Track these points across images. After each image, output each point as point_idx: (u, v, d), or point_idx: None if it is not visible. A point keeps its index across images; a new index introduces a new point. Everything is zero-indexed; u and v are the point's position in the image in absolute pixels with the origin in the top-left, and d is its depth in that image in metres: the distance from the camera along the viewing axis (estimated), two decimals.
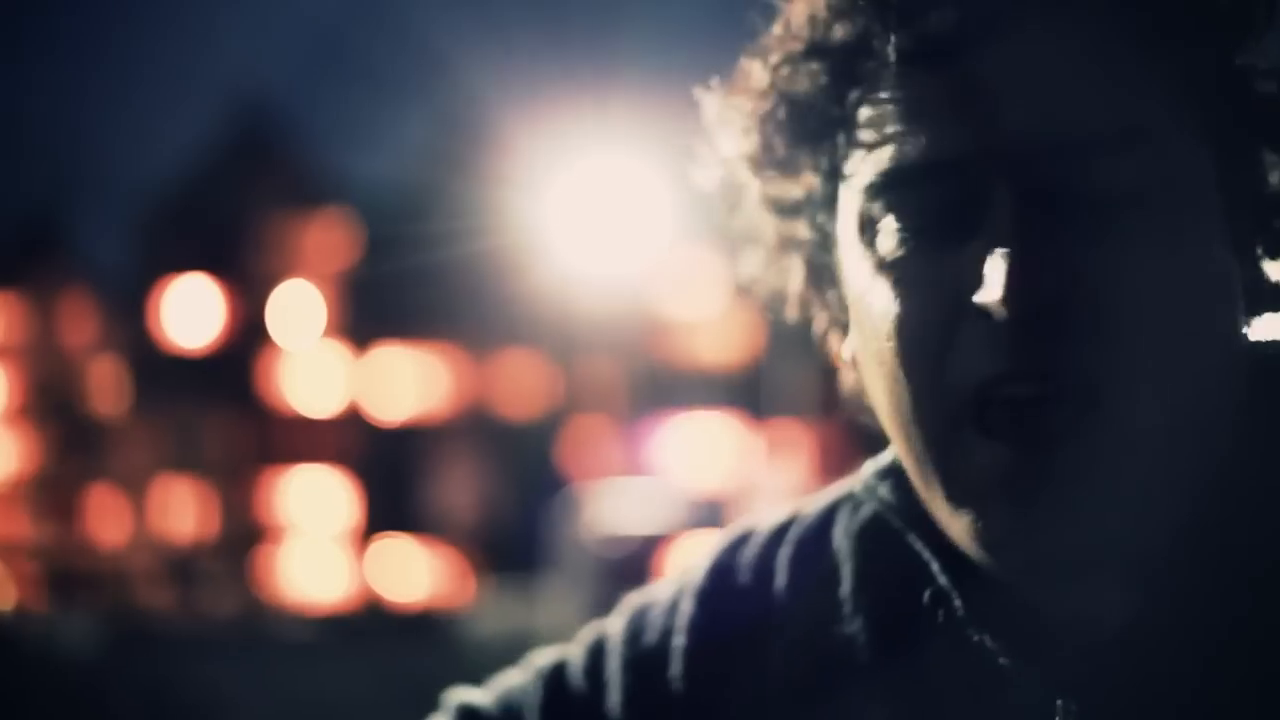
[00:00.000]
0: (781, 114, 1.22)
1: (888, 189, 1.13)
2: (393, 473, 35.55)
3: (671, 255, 27.86)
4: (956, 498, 1.12)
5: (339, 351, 36.09)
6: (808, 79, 1.19)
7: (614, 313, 29.30)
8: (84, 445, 35.41)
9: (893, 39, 1.12)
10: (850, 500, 1.34)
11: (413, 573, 32.44)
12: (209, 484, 35.61)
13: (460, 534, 34.40)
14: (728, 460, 30.01)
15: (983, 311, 1.08)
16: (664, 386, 31.88)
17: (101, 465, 35.48)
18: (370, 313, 35.15)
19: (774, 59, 1.21)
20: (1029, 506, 1.09)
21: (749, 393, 28.51)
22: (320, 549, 34.60)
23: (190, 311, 36.21)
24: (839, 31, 1.16)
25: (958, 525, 1.13)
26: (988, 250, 1.08)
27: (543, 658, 1.44)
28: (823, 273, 1.26)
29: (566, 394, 35.24)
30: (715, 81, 1.27)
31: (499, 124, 29.18)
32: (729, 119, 1.26)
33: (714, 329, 32.45)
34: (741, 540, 1.39)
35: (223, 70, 46.76)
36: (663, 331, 32.32)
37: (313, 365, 35.89)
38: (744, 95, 1.24)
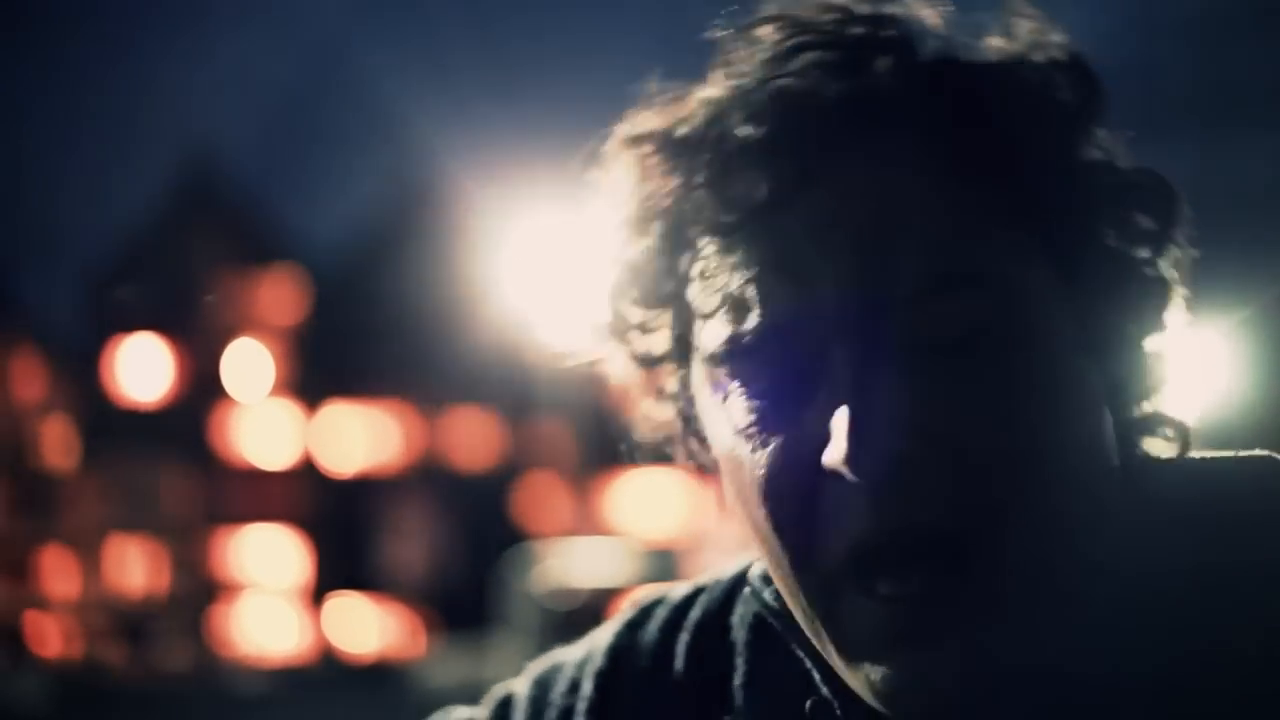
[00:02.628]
0: (625, 282, 1.18)
1: (729, 358, 1.11)
2: (345, 528, 35.45)
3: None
4: (847, 655, 1.11)
5: (290, 407, 36.06)
6: (644, 246, 1.16)
7: (565, 368, 29.34)
8: (35, 503, 35.25)
9: (707, 205, 1.10)
10: (749, 584, 1.31)
11: (365, 626, 32.38)
12: (161, 539, 35.49)
13: (411, 588, 34.34)
14: (679, 513, 30.08)
15: (835, 472, 1.06)
16: (615, 441, 31.87)
17: (53, 522, 35.33)
18: (322, 369, 35.13)
19: (611, 226, 1.17)
20: (915, 661, 1.07)
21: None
22: (273, 603, 34.52)
23: (141, 368, 36.14)
24: (664, 199, 1.13)
25: (853, 679, 1.11)
26: (831, 409, 1.06)
27: (451, 716, 1.43)
28: (690, 422, 1.22)
29: (517, 450, 35.24)
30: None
31: (450, 180, 29.34)
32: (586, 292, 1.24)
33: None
34: (643, 618, 1.37)
35: (175, 129, 46.77)
36: (614, 385, 32.34)
37: (264, 421, 35.86)
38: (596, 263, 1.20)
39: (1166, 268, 1.15)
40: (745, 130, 1.09)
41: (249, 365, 35.87)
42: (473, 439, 36.26)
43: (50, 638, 33.07)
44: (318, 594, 34.93)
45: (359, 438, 36.15)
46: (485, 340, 30.54)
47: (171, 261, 35.54)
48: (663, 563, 19.03)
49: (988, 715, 1.08)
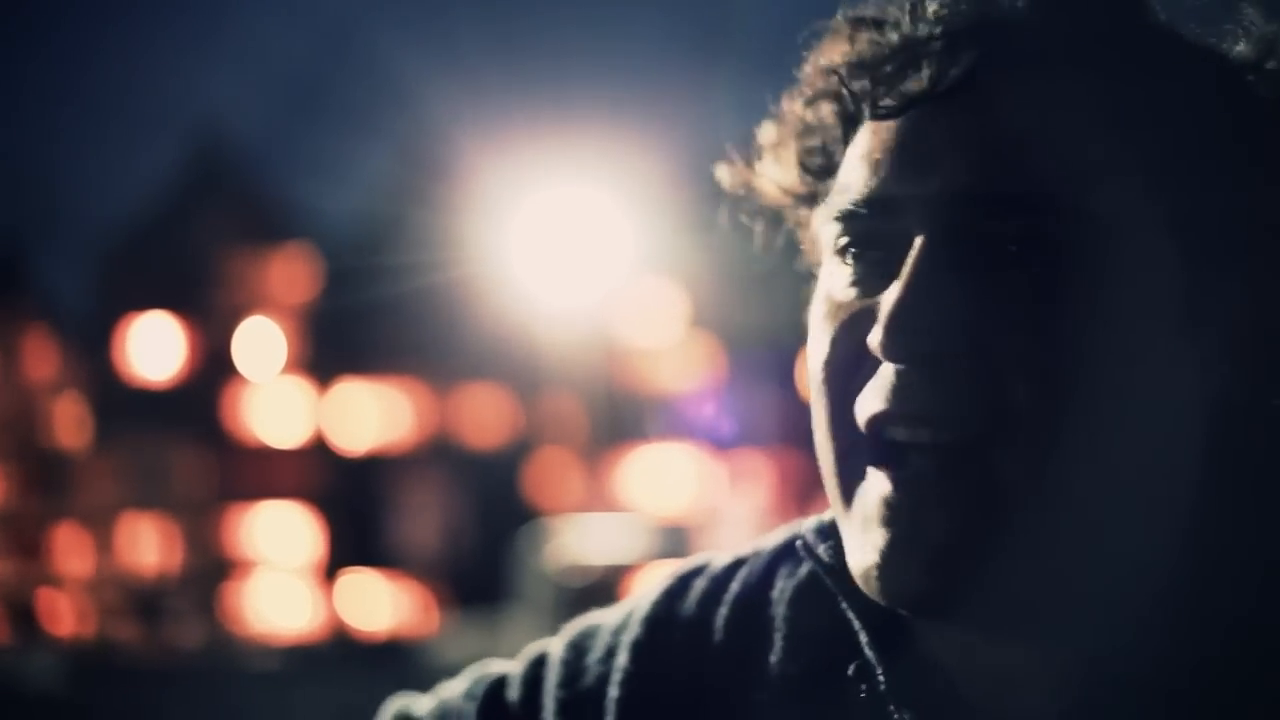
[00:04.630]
0: (804, 151, 1.28)
1: (839, 221, 1.17)
2: (357, 505, 35.49)
3: (631, 285, 27.99)
4: (851, 523, 1.15)
5: (302, 385, 36.09)
6: (821, 123, 1.25)
7: (575, 343, 29.39)
8: (48, 481, 35.32)
9: (868, 93, 1.18)
10: (794, 552, 1.32)
11: (378, 603, 32.42)
12: (174, 518, 35.56)
13: (425, 565, 34.39)
14: (691, 490, 30.10)
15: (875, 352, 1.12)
16: (627, 417, 31.94)
17: (66, 501, 35.41)
18: (333, 346, 35.13)
19: (800, 102, 1.27)
20: (895, 539, 1.11)
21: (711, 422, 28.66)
22: (286, 581, 34.57)
23: (153, 347, 36.18)
24: (842, 85, 1.21)
25: (849, 552, 1.15)
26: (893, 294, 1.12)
27: (484, 671, 1.46)
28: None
29: (530, 426, 35.26)
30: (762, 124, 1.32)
31: (460, 157, 29.28)
32: (771, 158, 1.31)
33: (675, 359, 32.55)
34: (682, 588, 1.38)
35: (184, 106, 46.72)
36: (625, 362, 32.41)
37: (276, 399, 35.90)
38: (780, 133, 1.29)
39: None
40: (918, 31, 1.17)
41: (260, 344, 35.89)
42: (484, 416, 36.28)
43: (64, 616, 33.15)
44: (330, 571, 34.97)
45: (371, 415, 36.18)
46: (496, 317, 30.54)
47: (182, 240, 35.53)
48: (674, 539, 19.10)
49: (944, 611, 1.13)
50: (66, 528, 35.50)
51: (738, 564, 1.37)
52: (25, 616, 32.20)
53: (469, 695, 1.45)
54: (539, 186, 21.88)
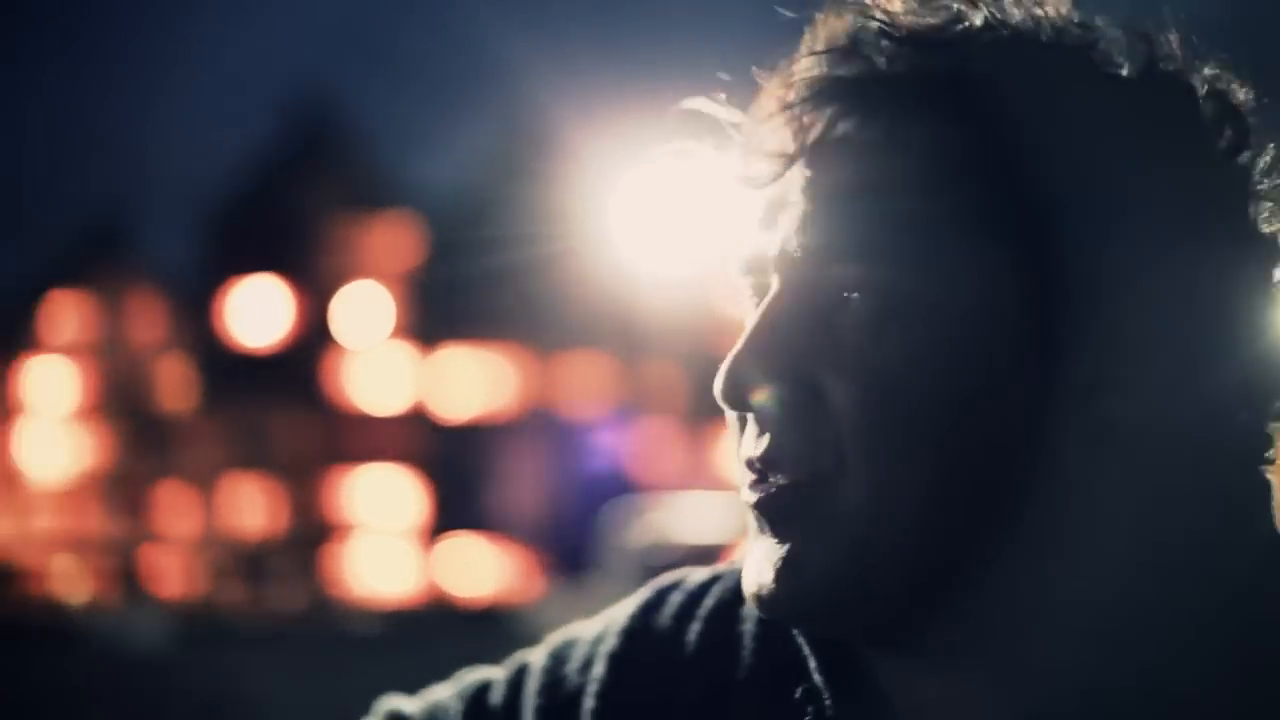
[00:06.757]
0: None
1: (738, 273, 1.23)
2: (458, 471, 35.67)
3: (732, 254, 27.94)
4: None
5: (405, 351, 36.30)
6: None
7: (678, 314, 29.40)
8: (154, 442, 35.70)
9: (739, 165, 1.21)
10: None
11: (478, 568, 32.62)
12: (277, 481, 35.86)
13: (524, 531, 34.55)
14: None
15: None
16: None
17: (171, 462, 35.78)
18: (436, 313, 35.31)
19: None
20: (761, 554, 1.17)
21: None
22: (386, 545, 34.83)
23: (257, 311, 36.47)
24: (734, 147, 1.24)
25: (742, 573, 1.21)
26: None
27: (471, 676, 1.48)
28: None
29: (630, 395, 35.34)
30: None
31: (562, 127, 29.36)
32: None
33: None
34: (658, 602, 1.40)
35: (288, 73, 46.99)
36: (728, 333, 32.40)
37: (379, 365, 36.12)
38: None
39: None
40: (775, 100, 1.20)
41: (364, 309, 36.11)
42: (586, 383, 36.37)
43: (169, 576, 33.54)
44: (431, 535, 35.19)
45: (472, 382, 36.34)
46: (598, 284, 30.59)
47: (286, 205, 35.80)
48: None
49: (811, 619, 1.18)
50: (172, 488, 35.88)
51: (714, 579, 1.40)
52: (131, 576, 32.59)
53: (457, 696, 1.48)
54: (639, 154, 21.92)
